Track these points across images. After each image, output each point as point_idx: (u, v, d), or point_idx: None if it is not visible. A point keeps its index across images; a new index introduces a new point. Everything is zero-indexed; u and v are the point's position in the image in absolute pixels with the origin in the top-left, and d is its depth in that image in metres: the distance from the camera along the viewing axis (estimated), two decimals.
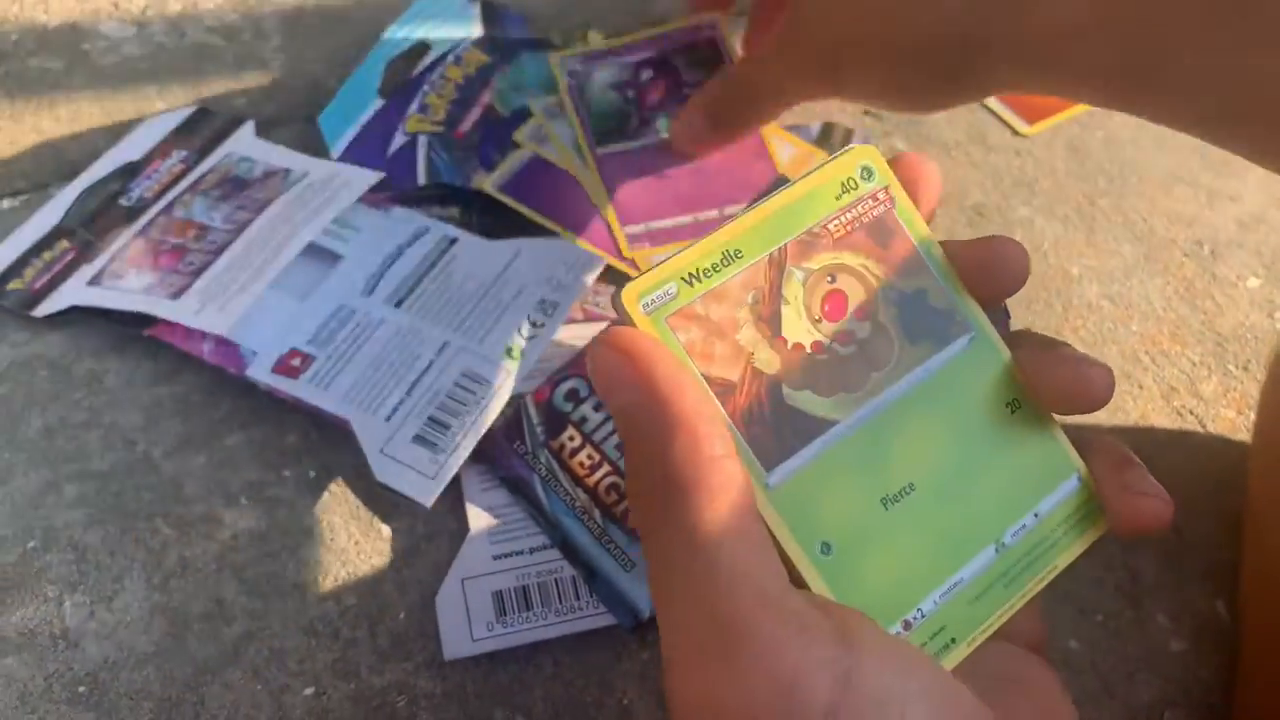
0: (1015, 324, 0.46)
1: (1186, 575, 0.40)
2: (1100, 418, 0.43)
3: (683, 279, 0.25)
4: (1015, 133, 0.54)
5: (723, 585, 0.21)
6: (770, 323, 0.25)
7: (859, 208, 0.27)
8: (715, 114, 0.46)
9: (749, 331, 0.25)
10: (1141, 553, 0.40)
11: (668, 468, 0.23)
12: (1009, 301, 0.46)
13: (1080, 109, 0.55)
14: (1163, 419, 0.44)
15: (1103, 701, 0.37)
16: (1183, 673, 0.38)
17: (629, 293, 0.24)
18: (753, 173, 0.49)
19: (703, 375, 0.24)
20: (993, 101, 0.55)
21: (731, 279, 0.25)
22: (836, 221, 0.27)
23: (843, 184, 0.27)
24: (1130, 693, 0.37)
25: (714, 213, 0.47)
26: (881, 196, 0.27)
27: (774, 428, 0.25)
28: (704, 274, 0.25)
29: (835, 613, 0.23)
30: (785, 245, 0.26)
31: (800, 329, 0.26)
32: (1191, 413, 0.44)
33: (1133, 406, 0.44)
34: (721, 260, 0.25)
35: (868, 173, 0.27)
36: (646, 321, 0.24)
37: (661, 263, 0.25)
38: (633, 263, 0.45)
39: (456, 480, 0.39)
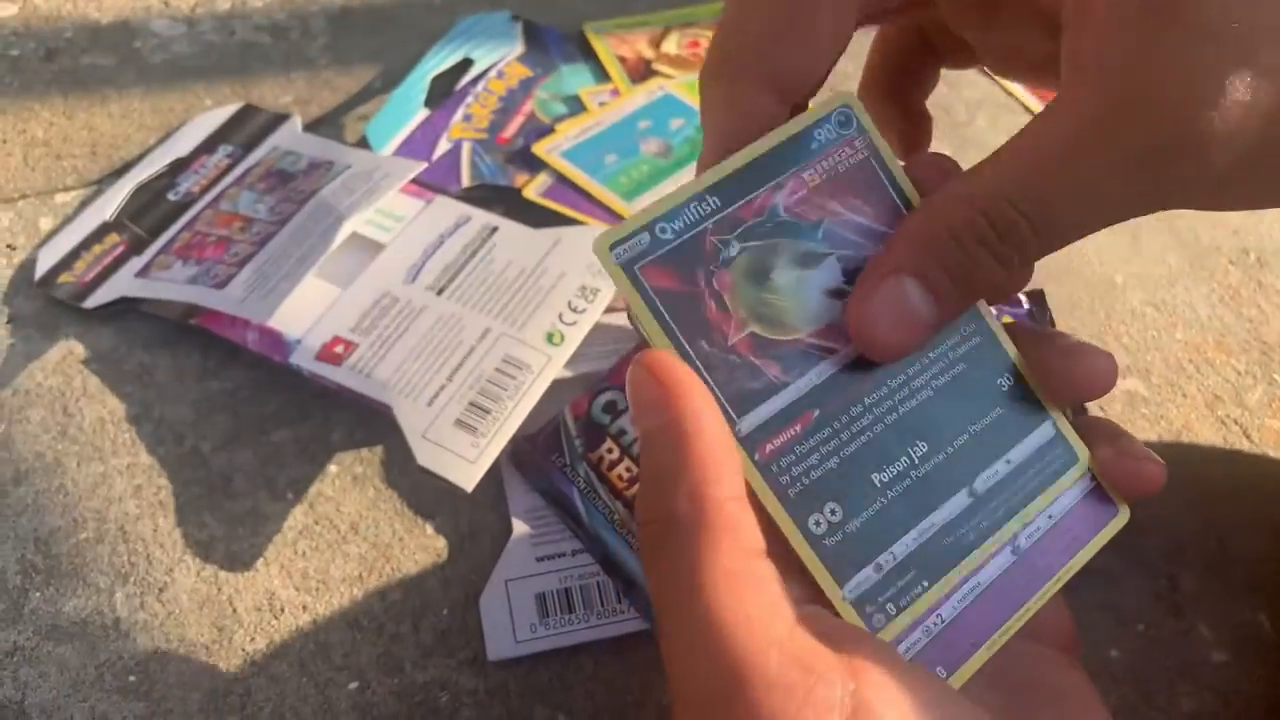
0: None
1: (1229, 586, 0.39)
2: (1143, 427, 0.43)
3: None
4: None
5: (726, 629, 0.21)
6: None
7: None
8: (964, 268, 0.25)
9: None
10: (1183, 563, 0.40)
11: (674, 503, 0.23)
12: (1054, 310, 0.46)
13: None
14: (1207, 428, 0.43)
15: (1143, 712, 0.37)
16: (1224, 685, 0.37)
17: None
18: None
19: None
20: (1036, 105, 0.55)
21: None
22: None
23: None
24: (1171, 704, 0.37)
25: None
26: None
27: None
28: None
29: (843, 646, 0.22)
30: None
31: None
32: (1236, 422, 0.44)
33: (1176, 415, 0.44)
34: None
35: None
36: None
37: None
38: None
39: (498, 478, 0.40)
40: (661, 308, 0.24)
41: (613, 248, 0.24)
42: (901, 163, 0.27)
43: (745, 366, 0.25)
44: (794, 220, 0.25)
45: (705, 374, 0.24)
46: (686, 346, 0.24)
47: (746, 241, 0.25)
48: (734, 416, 0.24)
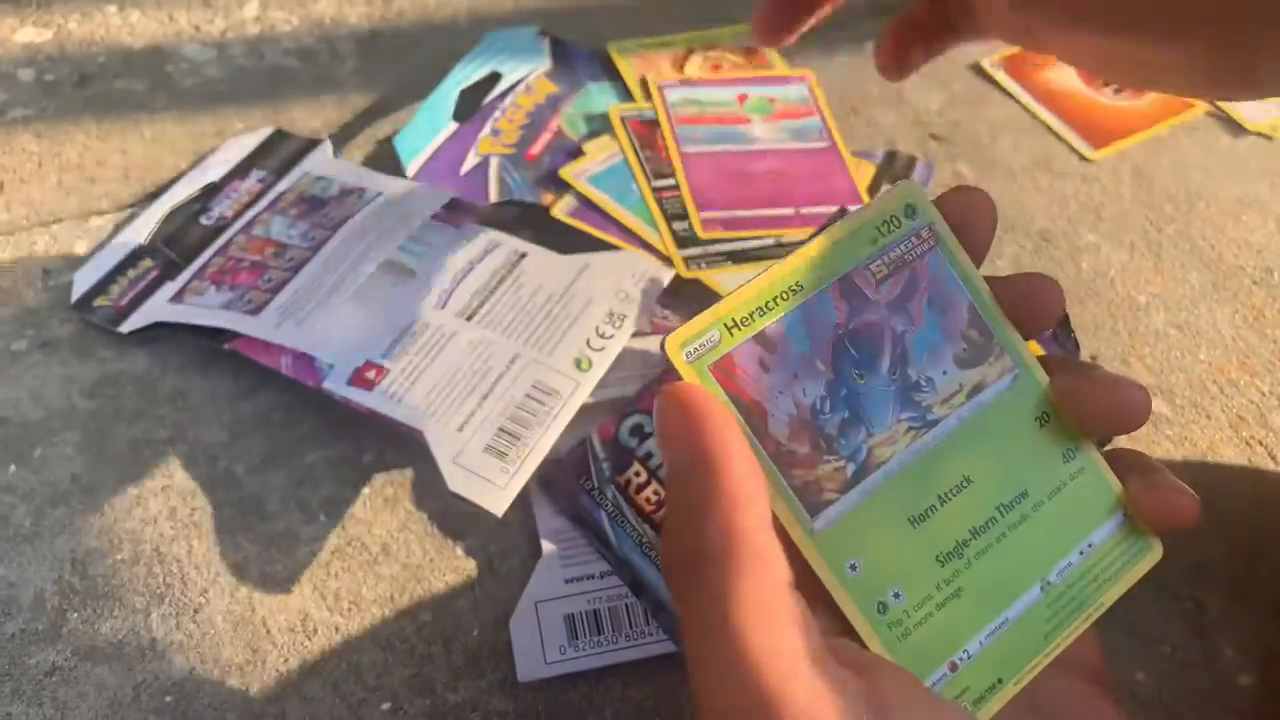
0: (1082, 354, 0.46)
1: (1255, 608, 0.39)
2: (1167, 448, 0.43)
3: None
4: (1082, 158, 0.54)
5: (753, 659, 0.22)
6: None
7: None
8: None
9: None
10: (1209, 585, 0.40)
11: (703, 534, 0.23)
12: (1078, 331, 0.46)
13: (1146, 133, 0.55)
14: (1231, 450, 0.44)
15: None
16: (1251, 707, 0.37)
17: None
18: (833, 185, 0.49)
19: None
20: (1059, 126, 0.55)
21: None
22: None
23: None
24: None
25: (790, 210, 0.48)
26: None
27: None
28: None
29: (870, 676, 0.23)
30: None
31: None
32: (1261, 444, 0.44)
33: (1200, 437, 0.44)
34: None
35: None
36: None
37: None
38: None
39: (527, 500, 0.40)
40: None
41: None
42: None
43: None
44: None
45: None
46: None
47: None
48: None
